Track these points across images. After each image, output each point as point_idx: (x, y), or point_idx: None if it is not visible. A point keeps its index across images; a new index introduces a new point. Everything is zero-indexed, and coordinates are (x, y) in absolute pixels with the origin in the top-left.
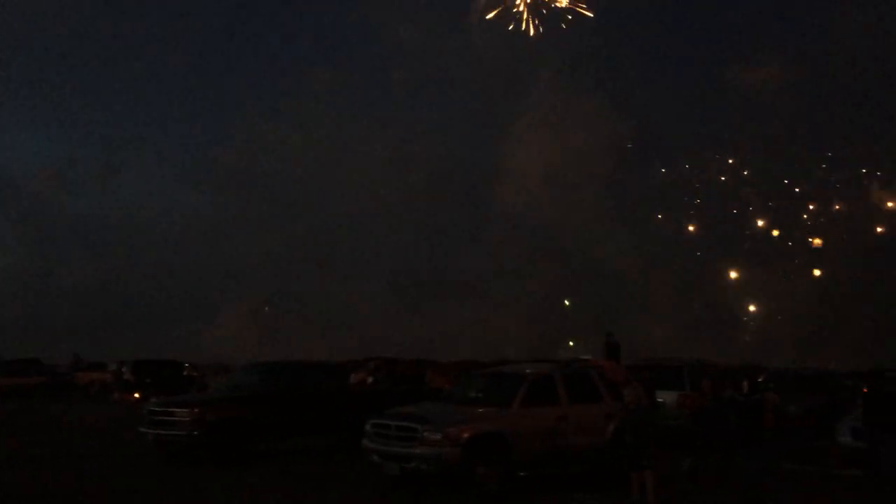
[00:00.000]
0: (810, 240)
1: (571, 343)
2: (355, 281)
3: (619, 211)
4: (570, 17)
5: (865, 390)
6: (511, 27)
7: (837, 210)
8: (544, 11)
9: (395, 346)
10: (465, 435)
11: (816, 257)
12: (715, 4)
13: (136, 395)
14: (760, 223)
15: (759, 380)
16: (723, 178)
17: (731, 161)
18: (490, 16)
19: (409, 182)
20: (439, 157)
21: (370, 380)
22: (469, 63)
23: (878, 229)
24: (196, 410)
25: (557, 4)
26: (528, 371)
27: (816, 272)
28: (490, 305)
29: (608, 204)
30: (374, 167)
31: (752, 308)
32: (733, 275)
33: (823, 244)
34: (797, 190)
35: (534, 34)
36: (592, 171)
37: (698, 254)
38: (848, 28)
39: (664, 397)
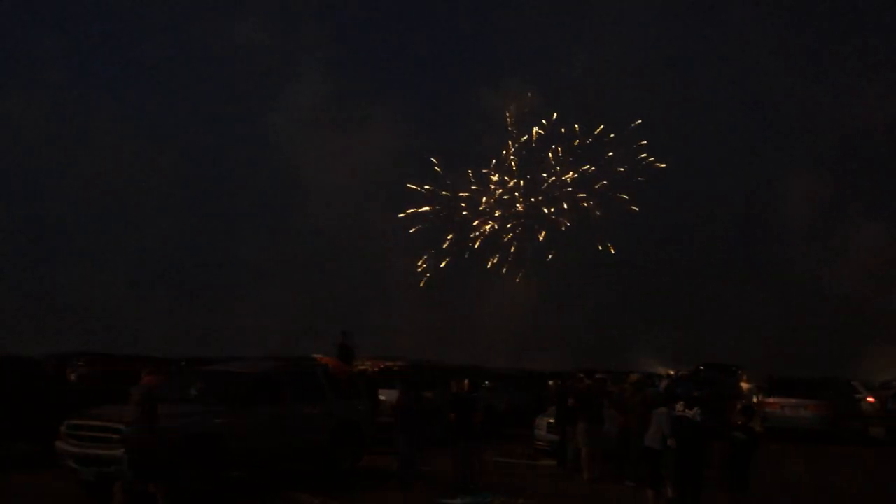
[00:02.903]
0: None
1: None
2: (98, 271)
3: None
4: None
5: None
6: None
7: (568, 227)
8: None
9: (141, 342)
10: (176, 436)
11: (543, 268)
12: (465, 26)
13: None
14: (506, 238)
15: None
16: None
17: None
18: None
19: (160, 167)
20: (193, 142)
21: (73, 377)
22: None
23: (599, 247)
24: None
25: None
26: (248, 369)
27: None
28: (250, 303)
29: (385, 204)
30: (121, 149)
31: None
32: (482, 278)
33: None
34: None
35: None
36: (374, 173)
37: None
38: (590, 53)
39: (387, 396)
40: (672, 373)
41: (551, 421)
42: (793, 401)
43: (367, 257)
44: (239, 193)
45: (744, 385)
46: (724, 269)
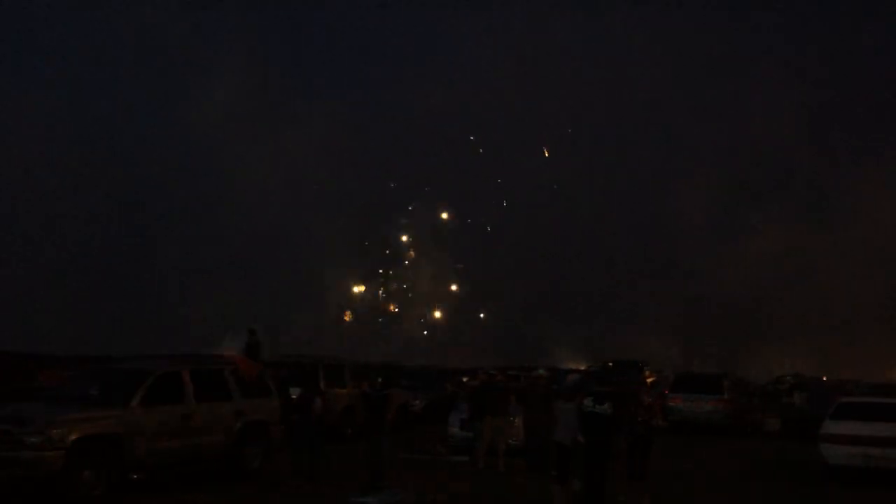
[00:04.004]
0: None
1: None
2: (13, 268)
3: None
4: None
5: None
6: None
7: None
8: None
9: (63, 341)
10: (72, 437)
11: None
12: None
13: None
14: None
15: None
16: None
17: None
18: None
19: (77, 162)
20: (112, 137)
21: None
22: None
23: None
24: None
25: None
26: (151, 367)
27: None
28: (172, 302)
29: (311, 204)
30: (34, 143)
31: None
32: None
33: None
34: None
35: None
36: (300, 172)
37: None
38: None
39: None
40: (583, 368)
41: (464, 417)
42: (694, 396)
43: (291, 257)
44: (160, 192)
45: (648, 380)
46: (634, 272)
